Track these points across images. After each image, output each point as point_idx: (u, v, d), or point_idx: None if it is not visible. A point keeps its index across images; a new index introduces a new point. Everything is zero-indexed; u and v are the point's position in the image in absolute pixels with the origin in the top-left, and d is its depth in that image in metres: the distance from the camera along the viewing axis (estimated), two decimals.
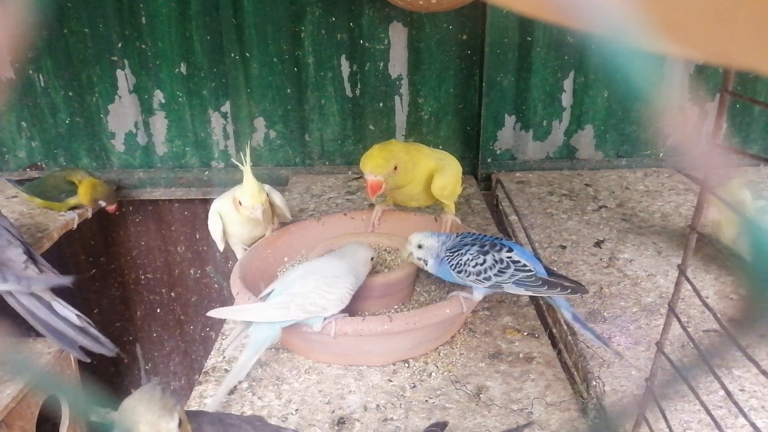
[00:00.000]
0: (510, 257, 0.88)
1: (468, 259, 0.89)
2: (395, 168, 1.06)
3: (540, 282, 0.86)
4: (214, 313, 0.88)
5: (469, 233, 0.95)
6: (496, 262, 0.88)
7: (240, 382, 0.89)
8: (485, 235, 0.94)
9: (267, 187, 1.15)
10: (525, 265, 0.88)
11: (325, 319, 0.85)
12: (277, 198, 1.16)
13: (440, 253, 0.93)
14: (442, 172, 1.14)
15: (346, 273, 0.89)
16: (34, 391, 1.25)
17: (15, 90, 1.67)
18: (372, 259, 0.97)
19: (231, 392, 0.87)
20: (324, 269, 0.89)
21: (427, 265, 0.95)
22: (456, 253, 0.90)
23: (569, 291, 0.86)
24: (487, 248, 0.89)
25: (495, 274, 0.87)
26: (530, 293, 0.89)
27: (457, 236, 0.94)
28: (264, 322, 0.85)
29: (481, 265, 0.88)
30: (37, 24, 1.60)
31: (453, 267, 0.90)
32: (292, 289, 0.86)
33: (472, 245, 0.90)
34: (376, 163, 1.05)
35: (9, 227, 1.09)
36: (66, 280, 1.04)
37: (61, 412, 1.40)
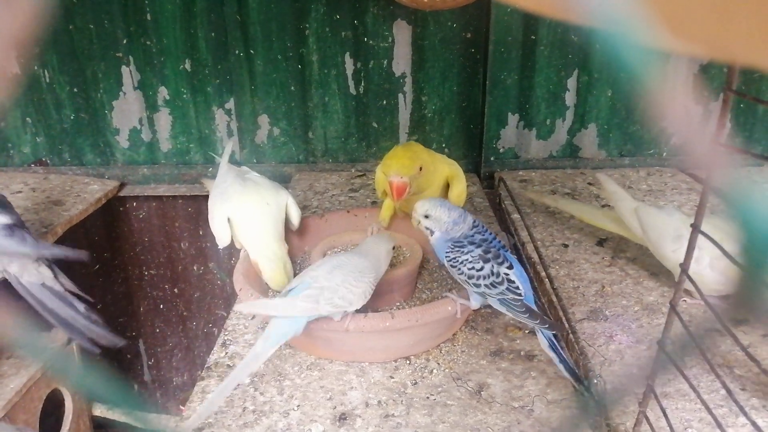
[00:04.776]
0: (507, 275, 0.86)
1: (467, 260, 0.86)
2: (420, 169, 1.02)
3: (524, 309, 0.84)
4: (242, 307, 0.89)
5: (482, 226, 0.92)
6: (492, 273, 0.85)
7: None
8: (494, 237, 0.91)
9: (290, 200, 1.10)
10: (518, 288, 0.85)
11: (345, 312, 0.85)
12: (295, 217, 1.12)
13: (449, 231, 0.89)
14: (459, 178, 1.11)
15: (369, 269, 0.89)
16: (47, 376, 1.26)
17: (20, 85, 1.68)
18: (393, 248, 0.97)
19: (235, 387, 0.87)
20: (348, 264, 0.89)
21: (432, 236, 0.91)
22: (457, 248, 0.88)
23: (547, 326, 0.84)
24: (489, 256, 0.86)
25: (486, 285, 0.85)
26: (511, 315, 0.87)
27: (472, 225, 0.90)
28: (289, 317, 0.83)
29: (478, 271, 0.85)
30: (43, 20, 1.61)
31: (449, 260, 0.88)
32: (320, 283, 0.85)
33: (478, 246, 0.87)
34: (402, 164, 1.00)
35: (19, 222, 1.11)
36: (77, 254, 1.05)
37: (64, 406, 1.41)
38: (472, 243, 0.88)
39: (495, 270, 0.86)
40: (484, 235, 0.90)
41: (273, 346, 0.82)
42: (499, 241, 0.91)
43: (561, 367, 0.84)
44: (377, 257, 0.93)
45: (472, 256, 0.86)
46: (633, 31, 0.14)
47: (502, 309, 0.87)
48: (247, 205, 1.05)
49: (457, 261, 0.87)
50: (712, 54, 0.18)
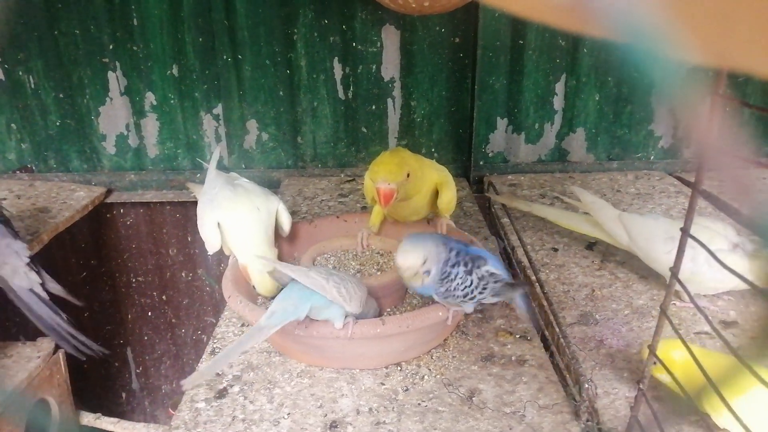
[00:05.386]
0: (488, 271, 0.87)
1: (457, 284, 0.85)
2: (408, 175, 1.00)
3: (507, 286, 0.88)
4: (261, 261, 0.97)
5: (446, 237, 0.91)
6: (480, 279, 0.86)
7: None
8: (456, 241, 0.90)
9: (281, 207, 1.09)
10: (499, 275, 0.88)
11: (345, 317, 0.85)
12: (286, 224, 1.11)
13: (440, 258, 0.86)
14: (448, 185, 1.10)
15: (363, 287, 0.91)
16: (33, 386, 1.24)
17: (5, 91, 1.66)
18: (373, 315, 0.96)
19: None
20: (346, 273, 0.93)
21: (428, 275, 0.86)
22: (445, 281, 0.85)
23: (522, 287, 0.92)
24: (470, 267, 0.86)
25: (479, 293, 0.86)
26: (502, 299, 0.91)
27: (448, 249, 0.88)
28: (294, 298, 0.83)
29: (469, 287, 0.85)
30: (27, 25, 1.59)
31: (441, 295, 0.87)
32: (329, 271, 0.87)
33: (459, 265, 0.85)
34: (389, 170, 0.98)
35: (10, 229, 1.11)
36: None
37: (51, 416, 1.39)
38: (453, 266, 0.86)
39: (480, 274, 0.86)
40: (456, 250, 0.88)
41: (275, 324, 0.81)
42: (458, 242, 0.90)
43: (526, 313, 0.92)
44: (369, 298, 0.93)
45: (460, 278, 0.85)
46: (655, 42, 0.13)
47: (495, 299, 0.90)
48: (237, 211, 1.04)
49: (450, 292, 0.86)
50: (707, 60, 0.17)
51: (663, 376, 0.74)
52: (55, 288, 1.10)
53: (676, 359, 0.71)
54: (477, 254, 0.89)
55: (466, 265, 0.86)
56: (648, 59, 0.14)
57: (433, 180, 1.09)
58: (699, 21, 0.14)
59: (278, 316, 0.82)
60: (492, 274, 0.87)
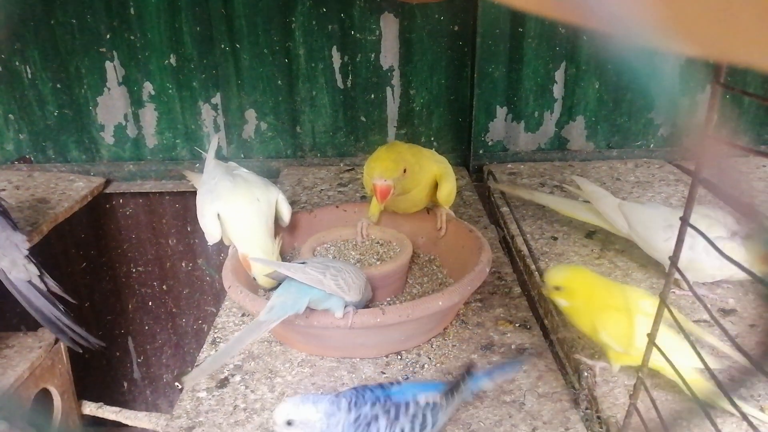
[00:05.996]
0: (426, 402, 0.70)
1: None
2: (404, 171, 1.00)
3: (454, 393, 0.73)
4: (256, 260, 0.97)
5: (362, 396, 0.69)
6: (414, 418, 0.68)
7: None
8: (381, 391, 0.71)
9: (281, 197, 1.09)
10: (436, 397, 0.71)
11: (345, 306, 0.85)
12: (286, 215, 1.11)
13: (331, 428, 0.66)
14: (447, 177, 1.10)
15: (362, 274, 0.91)
16: (35, 376, 1.24)
17: (1, 82, 1.65)
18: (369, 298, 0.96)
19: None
20: (345, 262, 0.92)
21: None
22: None
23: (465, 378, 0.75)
24: (395, 412, 0.68)
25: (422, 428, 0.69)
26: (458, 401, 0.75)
27: (349, 405, 0.68)
28: (293, 293, 0.83)
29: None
30: (24, 14, 1.58)
31: None
32: (326, 263, 0.87)
33: (377, 419, 0.67)
34: (385, 167, 0.98)
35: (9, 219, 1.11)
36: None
37: (53, 405, 1.40)
38: (369, 424, 0.67)
39: (412, 412, 0.69)
40: (365, 397, 0.69)
41: (275, 318, 0.81)
42: (376, 389, 0.71)
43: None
44: (366, 283, 0.93)
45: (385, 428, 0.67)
46: (631, 32, 0.13)
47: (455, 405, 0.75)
48: (237, 202, 1.04)
49: None
50: (707, 53, 0.17)
51: (561, 300, 0.84)
52: (51, 284, 1.11)
53: (575, 287, 0.83)
54: (399, 396, 0.70)
55: (388, 412, 0.68)
56: (640, 55, 0.14)
57: (432, 172, 1.09)
58: (697, 15, 0.14)
59: (277, 310, 0.81)
60: (427, 404, 0.70)
